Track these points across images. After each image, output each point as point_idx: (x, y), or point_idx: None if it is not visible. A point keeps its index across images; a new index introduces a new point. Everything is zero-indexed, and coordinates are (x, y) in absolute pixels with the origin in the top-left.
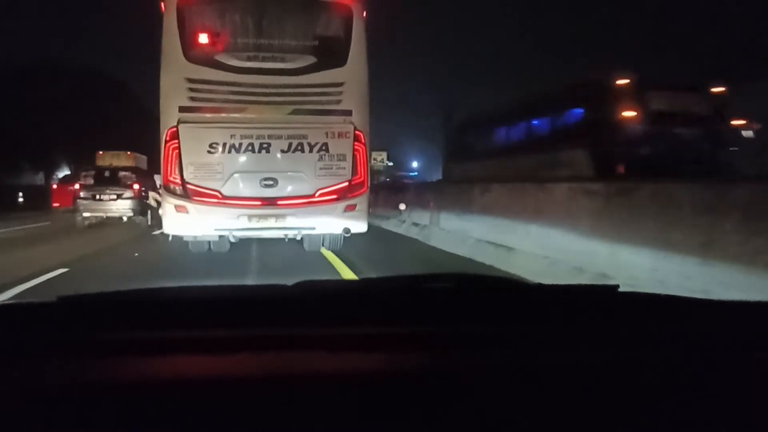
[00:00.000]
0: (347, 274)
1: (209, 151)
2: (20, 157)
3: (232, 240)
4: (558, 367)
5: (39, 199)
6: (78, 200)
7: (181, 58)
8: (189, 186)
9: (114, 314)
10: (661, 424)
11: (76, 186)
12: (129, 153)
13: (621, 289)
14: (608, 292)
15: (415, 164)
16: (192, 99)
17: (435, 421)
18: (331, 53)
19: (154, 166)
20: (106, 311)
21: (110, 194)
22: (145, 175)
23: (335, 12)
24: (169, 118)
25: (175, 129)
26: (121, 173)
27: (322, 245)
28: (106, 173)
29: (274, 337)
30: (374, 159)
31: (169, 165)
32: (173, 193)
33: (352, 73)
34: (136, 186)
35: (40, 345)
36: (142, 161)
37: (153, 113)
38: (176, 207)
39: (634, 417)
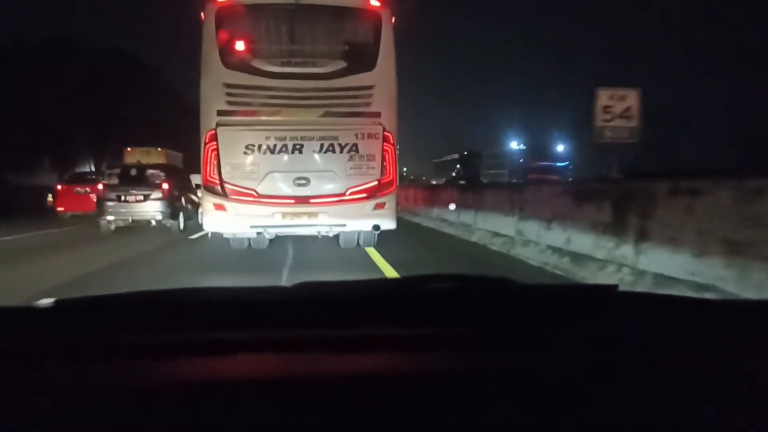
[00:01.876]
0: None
1: (245, 152)
2: (34, 154)
3: (268, 237)
4: (557, 367)
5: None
6: (101, 202)
7: (219, 65)
8: (227, 185)
9: (111, 318)
10: (660, 424)
11: (99, 186)
12: (160, 149)
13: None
14: (608, 291)
15: (560, 148)
16: (229, 103)
17: (434, 422)
18: (361, 58)
19: (190, 165)
20: (104, 315)
21: (136, 195)
22: (179, 175)
23: (364, 18)
24: (208, 121)
25: (213, 131)
26: (149, 171)
27: (357, 243)
28: (132, 171)
29: (273, 340)
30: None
31: (208, 165)
32: (212, 192)
33: (381, 77)
34: (165, 185)
35: (37, 348)
36: (176, 159)
37: (192, 105)
38: (215, 205)
39: (633, 417)
